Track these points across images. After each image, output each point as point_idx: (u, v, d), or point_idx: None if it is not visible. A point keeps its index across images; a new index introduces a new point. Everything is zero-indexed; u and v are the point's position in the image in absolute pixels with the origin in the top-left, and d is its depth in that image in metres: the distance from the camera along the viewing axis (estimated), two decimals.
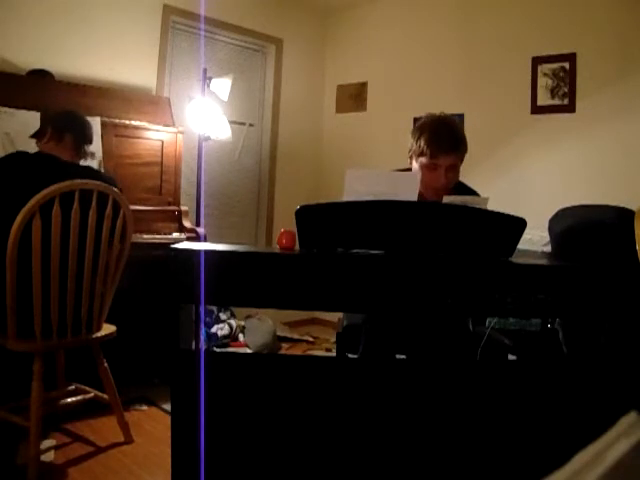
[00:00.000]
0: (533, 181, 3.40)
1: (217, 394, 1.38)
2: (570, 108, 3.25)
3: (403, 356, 1.91)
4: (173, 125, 3.21)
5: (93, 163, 2.69)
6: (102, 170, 2.72)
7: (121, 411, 2.24)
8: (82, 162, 2.29)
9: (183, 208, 3.12)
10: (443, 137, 1.76)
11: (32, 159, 2.08)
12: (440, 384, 1.42)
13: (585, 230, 1.88)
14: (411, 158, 1.87)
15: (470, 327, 1.87)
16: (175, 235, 2.96)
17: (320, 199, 2.08)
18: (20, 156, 2.07)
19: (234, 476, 1.43)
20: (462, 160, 1.85)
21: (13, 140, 2.49)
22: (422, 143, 1.78)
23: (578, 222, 1.92)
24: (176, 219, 3.08)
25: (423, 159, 1.79)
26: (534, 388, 1.42)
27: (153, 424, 2.44)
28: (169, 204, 3.11)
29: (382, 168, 2.10)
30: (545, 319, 1.96)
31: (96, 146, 2.77)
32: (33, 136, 2.32)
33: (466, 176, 2.45)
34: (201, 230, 3.08)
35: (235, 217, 4.29)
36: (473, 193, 1.98)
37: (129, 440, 2.25)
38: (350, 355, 1.90)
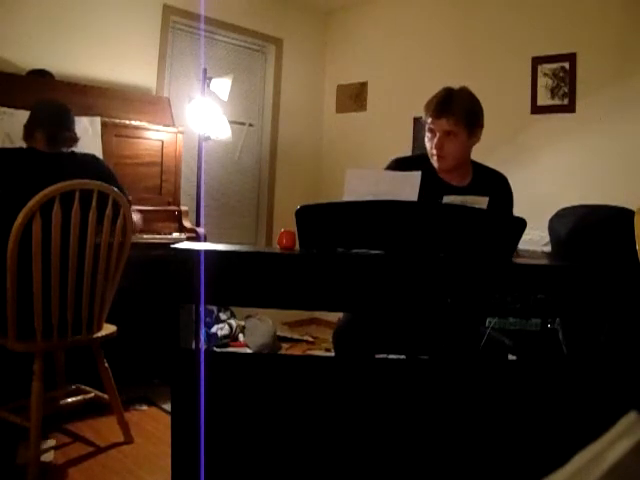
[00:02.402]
0: (533, 181, 3.39)
1: (217, 394, 1.38)
2: (570, 108, 3.25)
3: (402, 356, 1.91)
4: (173, 125, 3.21)
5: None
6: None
7: (121, 411, 2.24)
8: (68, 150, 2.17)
9: (183, 208, 3.12)
10: (434, 101, 1.78)
11: (12, 154, 2.06)
12: (440, 384, 1.42)
13: (585, 230, 1.88)
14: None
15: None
16: (175, 235, 2.96)
17: (320, 199, 2.08)
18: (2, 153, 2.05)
19: (234, 476, 1.43)
20: (468, 132, 1.77)
21: (13, 140, 2.48)
22: (424, 109, 1.81)
23: (578, 222, 1.92)
24: (176, 219, 3.08)
25: (426, 126, 1.81)
26: (534, 388, 1.42)
27: (153, 424, 2.44)
28: (169, 204, 3.11)
29: (382, 168, 2.07)
30: (545, 319, 1.96)
31: (96, 146, 2.77)
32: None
33: None
34: (201, 230, 3.08)
35: (235, 217, 4.29)
36: (493, 174, 1.93)
37: (129, 440, 2.25)
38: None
